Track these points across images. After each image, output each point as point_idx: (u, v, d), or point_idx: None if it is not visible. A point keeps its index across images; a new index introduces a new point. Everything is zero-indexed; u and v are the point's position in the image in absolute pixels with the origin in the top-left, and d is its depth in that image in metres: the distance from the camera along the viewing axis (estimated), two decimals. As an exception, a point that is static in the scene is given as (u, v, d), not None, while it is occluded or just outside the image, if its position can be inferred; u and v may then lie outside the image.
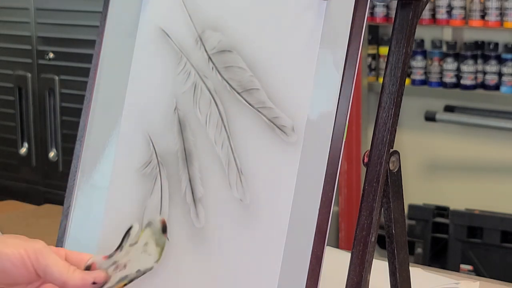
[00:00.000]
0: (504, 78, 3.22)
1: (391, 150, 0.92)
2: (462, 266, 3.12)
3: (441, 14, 3.28)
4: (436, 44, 3.37)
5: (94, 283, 0.92)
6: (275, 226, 0.89)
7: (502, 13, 3.19)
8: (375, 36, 3.53)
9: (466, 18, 3.27)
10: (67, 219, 1.04)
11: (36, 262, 0.86)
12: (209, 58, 0.97)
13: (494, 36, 3.30)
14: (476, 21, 3.23)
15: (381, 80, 2.72)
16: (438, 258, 3.22)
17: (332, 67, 0.89)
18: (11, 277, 0.87)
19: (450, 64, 3.30)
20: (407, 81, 2.80)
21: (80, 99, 1.16)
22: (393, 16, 0.95)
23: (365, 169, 0.93)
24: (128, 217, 0.99)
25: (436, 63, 3.35)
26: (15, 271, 0.86)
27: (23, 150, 3.07)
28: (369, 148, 0.93)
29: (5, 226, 1.65)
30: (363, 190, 0.92)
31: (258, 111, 0.92)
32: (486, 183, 3.35)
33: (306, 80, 0.90)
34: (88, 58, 1.45)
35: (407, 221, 3.12)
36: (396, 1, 0.93)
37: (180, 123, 0.98)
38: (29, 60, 3.02)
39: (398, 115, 0.93)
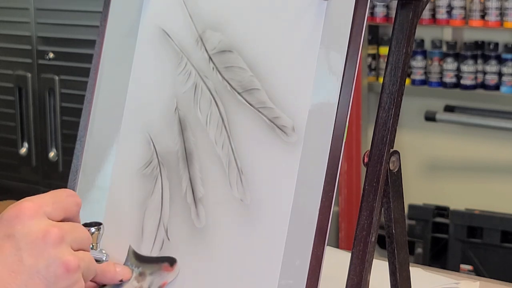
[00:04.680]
0: (504, 78, 3.23)
1: (391, 150, 0.92)
2: (462, 266, 3.12)
3: (441, 14, 3.28)
4: (436, 44, 3.37)
5: (121, 280, 0.92)
6: (275, 226, 0.89)
7: (502, 13, 3.19)
8: (375, 36, 3.53)
9: (466, 18, 3.27)
10: (67, 219, 1.04)
11: None
12: (210, 58, 0.97)
13: (494, 36, 3.30)
14: (476, 21, 3.24)
15: (381, 80, 2.72)
16: (438, 258, 3.22)
17: (332, 67, 0.89)
18: None
19: (450, 64, 3.30)
20: (407, 81, 2.80)
21: (80, 99, 1.16)
22: (393, 16, 0.95)
23: (365, 169, 0.93)
24: (129, 218, 0.99)
25: (436, 63, 3.35)
26: None
27: (23, 150, 3.07)
28: (369, 148, 0.93)
29: (5, 226, 1.65)
30: (363, 190, 0.92)
31: (259, 111, 0.92)
32: (486, 183, 3.35)
33: (306, 80, 0.90)
34: (88, 58, 1.45)
35: (407, 221, 3.12)
36: (396, 1, 0.93)
37: (181, 123, 0.98)
38: (29, 60, 3.03)
39: (398, 115, 0.93)
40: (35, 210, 0.78)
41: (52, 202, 0.81)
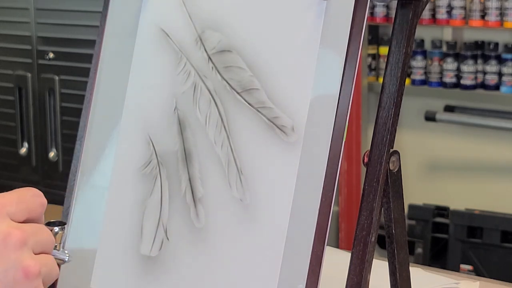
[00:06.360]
0: (504, 78, 3.22)
1: (391, 150, 0.92)
2: (462, 266, 3.12)
3: (441, 14, 3.28)
4: (436, 44, 3.37)
5: None
6: (275, 226, 0.89)
7: (502, 13, 3.19)
8: (375, 36, 3.53)
9: (466, 18, 3.27)
10: (67, 219, 1.04)
11: None
12: (209, 58, 0.97)
13: (494, 36, 3.30)
14: (476, 21, 3.23)
15: (381, 80, 2.72)
16: (438, 258, 3.22)
17: (332, 67, 0.89)
18: None
19: (450, 64, 3.30)
20: (407, 81, 2.80)
21: (80, 99, 1.16)
22: (393, 16, 0.95)
23: (365, 169, 0.93)
24: (128, 217, 0.99)
25: (436, 63, 3.35)
26: None
27: (23, 150, 3.07)
28: (369, 148, 0.93)
29: (5, 226, 1.64)
30: (363, 190, 0.92)
31: (258, 111, 0.92)
32: (486, 183, 3.35)
33: (306, 80, 0.90)
34: (88, 58, 1.45)
35: (407, 221, 3.12)
36: (396, 1, 0.93)
37: (180, 123, 0.98)
38: (29, 60, 3.02)
39: (398, 115, 0.93)
40: None
41: (16, 202, 0.77)
